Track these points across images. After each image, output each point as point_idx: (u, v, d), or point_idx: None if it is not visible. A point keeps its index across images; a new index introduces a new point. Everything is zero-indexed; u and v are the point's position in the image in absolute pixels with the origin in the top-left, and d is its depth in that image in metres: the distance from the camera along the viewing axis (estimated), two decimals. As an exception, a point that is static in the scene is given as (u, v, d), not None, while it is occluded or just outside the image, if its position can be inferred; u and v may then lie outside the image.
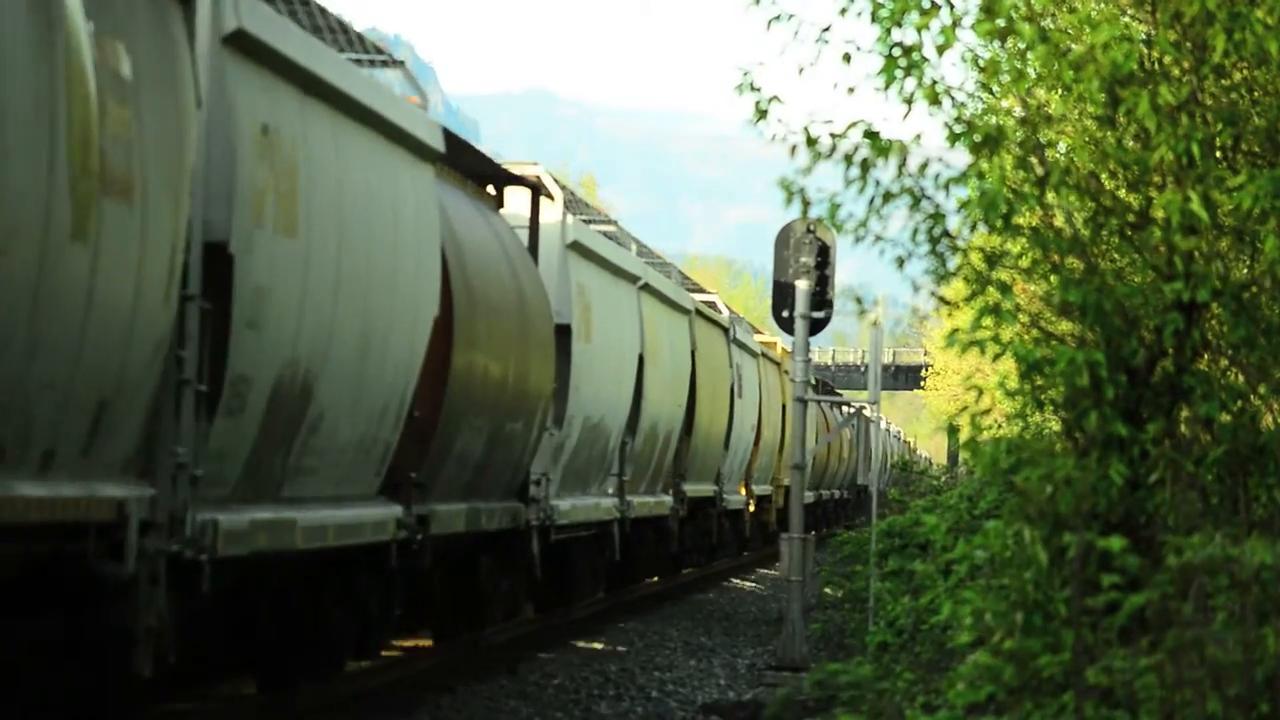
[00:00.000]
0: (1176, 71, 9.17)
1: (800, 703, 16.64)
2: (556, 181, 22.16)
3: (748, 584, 36.01)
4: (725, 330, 34.53)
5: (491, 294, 17.91)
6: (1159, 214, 9.08)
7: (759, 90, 9.13)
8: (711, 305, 35.07)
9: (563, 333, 21.41)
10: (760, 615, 28.40)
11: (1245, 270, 9.71)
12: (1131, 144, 9.29)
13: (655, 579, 31.77)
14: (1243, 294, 9.16)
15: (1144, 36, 9.38)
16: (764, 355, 40.62)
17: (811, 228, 21.56)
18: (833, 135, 9.05)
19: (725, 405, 33.79)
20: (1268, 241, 8.94)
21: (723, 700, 17.96)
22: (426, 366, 15.64)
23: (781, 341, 45.21)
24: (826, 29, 9.09)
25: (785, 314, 21.79)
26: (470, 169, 19.35)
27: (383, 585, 15.60)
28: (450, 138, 17.08)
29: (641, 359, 25.91)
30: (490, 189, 20.48)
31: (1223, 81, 9.29)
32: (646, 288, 26.78)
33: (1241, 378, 9.50)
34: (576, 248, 22.37)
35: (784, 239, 21.93)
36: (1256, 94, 9.68)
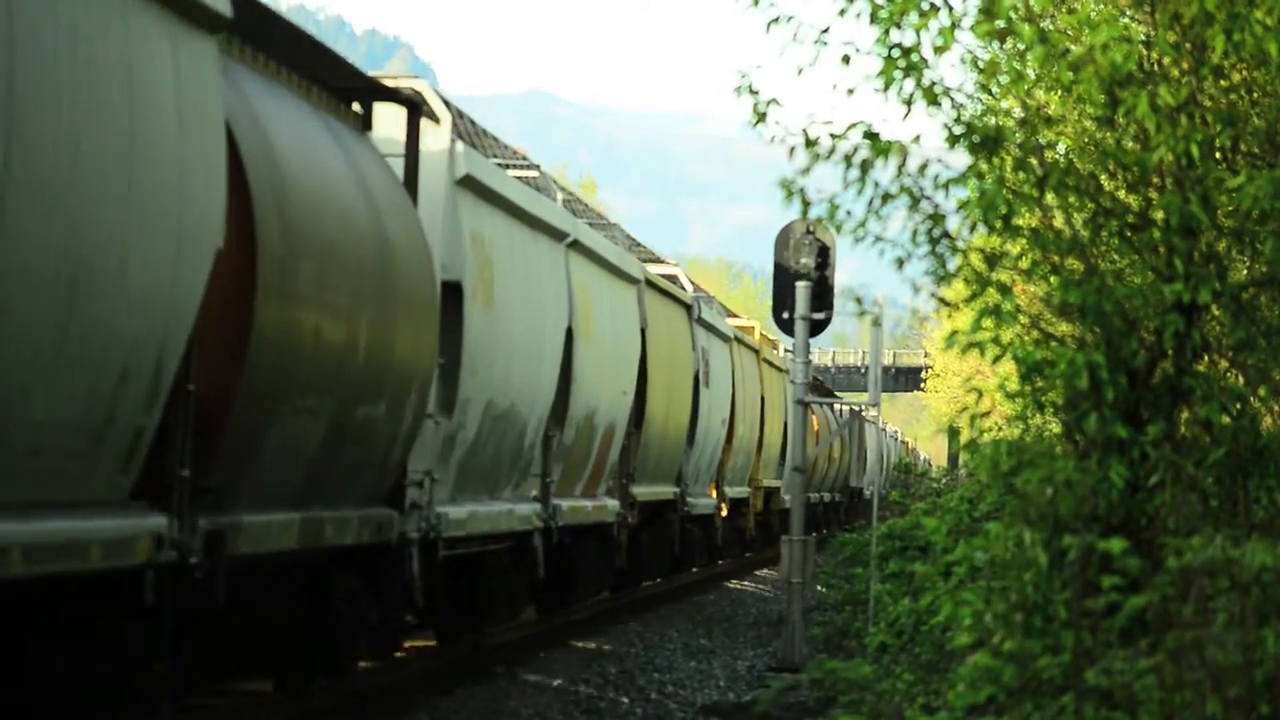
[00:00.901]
0: (1176, 72, 9.17)
1: (800, 703, 16.66)
2: (447, 105, 17.42)
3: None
4: (688, 308, 29.44)
5: (329, 233, 13.32)
6: (1159, 215, 9.09)
7: (757, 93, 9.15)
8: (672, 279, 30.12)
9: (453, 293, 16.67)
10: (760, 617, 28.42)
11: (1245, 271, 9.72)
12: (1131, 145, 9.30)
13: (605, 594, 26.86)
14: (1242, 295, 9.17)
15: (1143, 37, 9.39)
16: (738, 340, 35.13)
17: (811, 228, 21.59)
18: (832, 136, 9.06)
19: (688, 395, 29.01)
20: (1267, 242, 8.96)
21: (723, 702, 17.96)
22: (212, 323, 11.40)
23: (760, 327, 42.92)
24: (825, 30, 9.10)
25: (785, 315, 21.83)
26: (320, 74, 14.77)
27: (140, 629, 11.10)
28: (273, 19, 13.13)
29: (570, 333, 20.87)
30: (356, 107, 15.72)
31: (1222, 82, 9.30)
32: (577, 246, 21.36)
33: (1241, 379, 9.51)
34: (470, 184, 17.16)
35: (784, 240, 21.97)
36: (1255, 95, 9.69)
